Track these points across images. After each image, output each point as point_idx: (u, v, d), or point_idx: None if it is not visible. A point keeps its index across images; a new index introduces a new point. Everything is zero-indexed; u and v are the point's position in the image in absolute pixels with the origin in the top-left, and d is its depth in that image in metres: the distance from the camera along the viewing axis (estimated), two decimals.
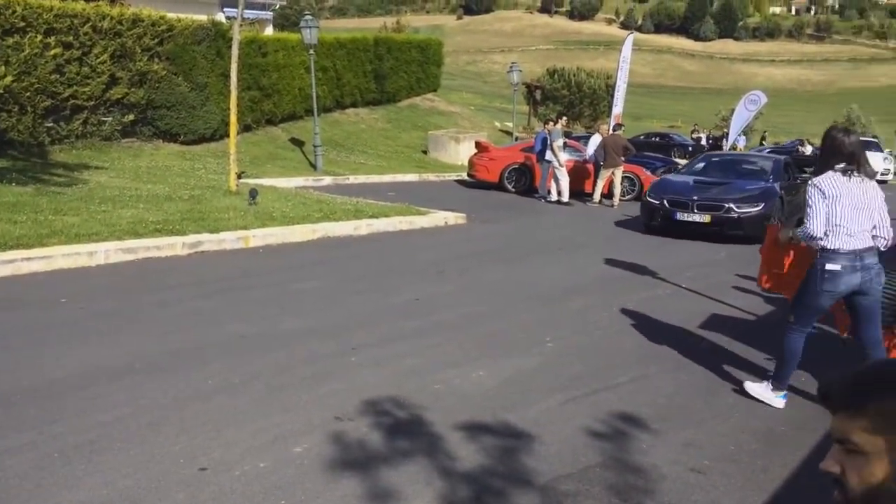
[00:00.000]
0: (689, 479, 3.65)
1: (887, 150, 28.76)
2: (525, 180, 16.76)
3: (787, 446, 4.14)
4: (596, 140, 16.26)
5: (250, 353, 5.12)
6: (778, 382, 4.77)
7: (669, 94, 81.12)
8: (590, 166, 16.26)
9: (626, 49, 24.48)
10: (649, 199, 11.74)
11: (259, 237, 8.89)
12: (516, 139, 23.77)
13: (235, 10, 12.58)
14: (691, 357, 5.66)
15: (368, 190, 15.05)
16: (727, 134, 27.49)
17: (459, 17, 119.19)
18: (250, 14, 27.11)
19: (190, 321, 5.81)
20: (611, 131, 16.30)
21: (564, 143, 15.97)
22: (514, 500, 3.36)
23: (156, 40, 15.73)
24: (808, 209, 4.42)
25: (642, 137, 31.59)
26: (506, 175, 16.87)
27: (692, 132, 39.89)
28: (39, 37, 13.27)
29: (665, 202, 11.41)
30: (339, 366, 4.96)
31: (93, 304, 6.15)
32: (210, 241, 8.39)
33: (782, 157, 13.66)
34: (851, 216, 4.35)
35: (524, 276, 8.22)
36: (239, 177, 12.58)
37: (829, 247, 4.38)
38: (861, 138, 24.41)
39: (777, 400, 4.74)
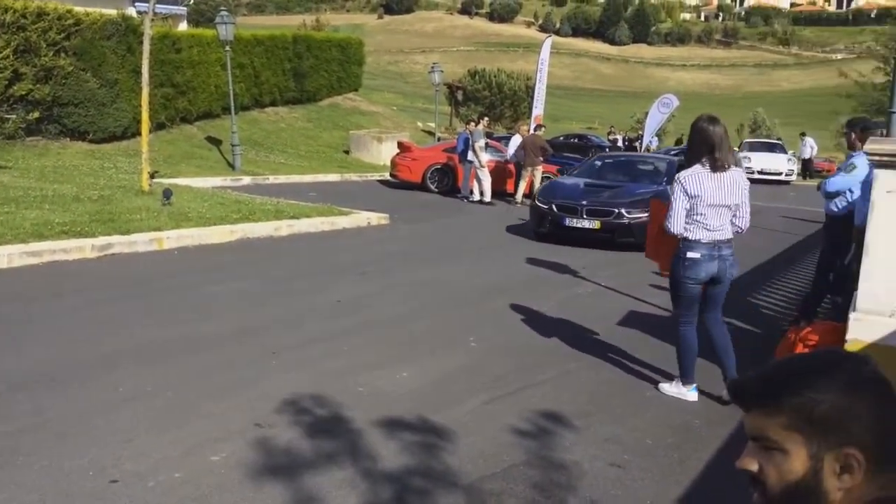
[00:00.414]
0: (608, 475, 3.72)
1: (791, 152, 30.01)
2: (447, 180, 16.81)
3: (703, 439, 4.26)
4: (517, 141, 16.45)
5: (164, 359, 4.94)
6: (684, 377, 4.93)
7: (587, 96, 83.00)
8: (511, 166, 16.43)
9: (545, 52, 24.90)
10: (538, 204, 10.97)
11: (173, 238, 8.60)
12: (438, 139, 23.81)
13: (147, 4, 12.15)
14: (612, 353, 5.78)
15: (289, 190, 14.79)
16: (642, 136, 28.28)
17: (380, 17, 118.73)
18: (163, 9, 26.21)
19: (99, 327, 5.56)
20: (531, 132, 16.52)
21: (486, 144, 16.09)
22: (439, 500, 3.34)
23: (62, 35, 15.05)
24: (671, 205, 4.70)
25: (561, 138, 32.10)
26: (428, 175, 16.88)
27: (609, 134, 40.83)
28: None
29: (554, 207, 10.68)
30: (259, 370, 4.84)
31: None
32: (121, 244, 8.06)
33: (677, 158, 12.84)
34: (712, 212, 4.62)
35: (447, 276, 8.22)
36: (152, 176, 12.16)
37: (690, 237, 4.67)
38: (764, 139, 24.86)
39: (689, 394, 4.91)
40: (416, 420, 4.19)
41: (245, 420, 4.02)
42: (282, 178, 17.06)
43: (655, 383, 5.13)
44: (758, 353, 5.90)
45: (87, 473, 3.36)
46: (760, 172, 26.24)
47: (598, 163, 13.18)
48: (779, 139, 33.68)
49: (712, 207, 4.60)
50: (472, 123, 15.90)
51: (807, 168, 30.92)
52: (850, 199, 6.29)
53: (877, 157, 4.26)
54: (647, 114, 30.48)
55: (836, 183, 6.41)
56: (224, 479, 3.39)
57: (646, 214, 8.96)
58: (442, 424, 4.15)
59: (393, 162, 17.70)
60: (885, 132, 6.65)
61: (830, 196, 6.46)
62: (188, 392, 4.39)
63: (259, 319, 6.06)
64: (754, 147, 29.08)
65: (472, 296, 7.21)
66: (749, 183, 4.81)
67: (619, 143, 34.33)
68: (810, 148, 30.67)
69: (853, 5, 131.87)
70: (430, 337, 5.90)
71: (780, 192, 23.68)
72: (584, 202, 10.59)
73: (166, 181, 12.83)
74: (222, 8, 18.31)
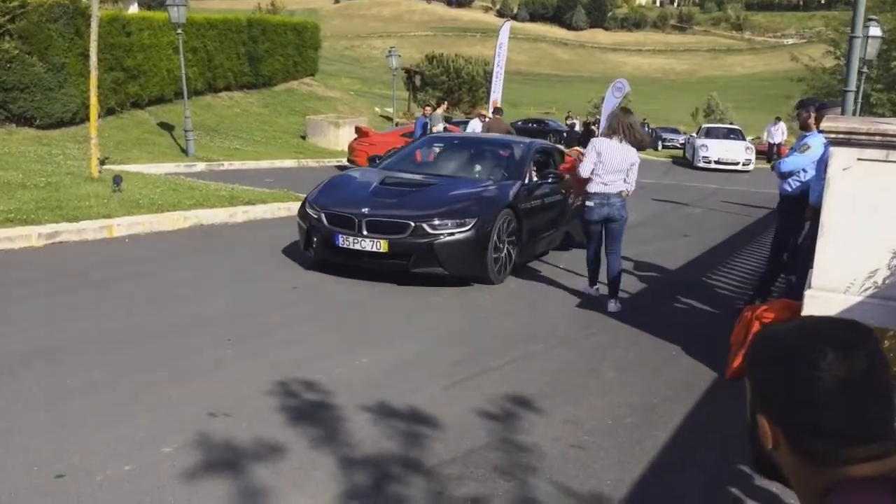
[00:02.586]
0: (569, 455, 3.70)
1: (749, 138, 29.31)
2: None
3: (661, 418, 4.28)
4: (475, 124, 16.39)
5: (113, 350, 4.78)
6: (591, 282, 7.00)
7: (544, 81, 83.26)
8: None
9: (503, 35, 24.87)
10: (306, 211, 7.25)
11: (124, 226, 8.36)
12: (396, 125, 23.65)
13: None
14: (571, 336, 5.78)
15: (244, 176, 14.53)
16: (598, 120, 28.44)
17: (337, 1, 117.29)
18: None
19: (44, 317, 5.37)
20: (493, 115, 16.46)
21: (444, 129, 16.00)
22: (398, 486, 3.29)
23: (7, 17, 14.54)
24: (586, 156, 6.63)
25: (520, 123, 32.20)
26: None
27: (566, 119, 41.06)
28: None
29: (324, 217, 6.99)
30: (213, 360, 4.72)
31: None
32: (69, 231, 7.81)
33: (539, 144, 9.12)
34: (608, 170, 6.51)
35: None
36: (102, 163, 11.83)
37: (589, 190, 6.60)
38: (722, 125, 24.77)
39: (593, 290, 6.94)
40: (375, 406, 4.12)
41: (199, 410, 3.91)
42: (237, 164, 16.76)
43: (615, 363, 5.15)
44: (714, 332, 5.97)
45: (30, 469, 3.22)
46: (717, 162, 25.26)
47: (430, 146, 9.39)
48: (731, 124, 33.70)
49: (610, 166, 6.50)
50: (429, 108, 15.81)
51: (776, 153, 30.79)
52: (803, 179, 6.38)
53: (833, 135, 4.30)
54: (603, 98, 30.71)
55: (789, 163, 6.48)
56: (177, 471, 3.28)
57: (461, 230, 6.73)
58: (401, 410, 4.10)
59: (350, 147, 17.51)
60: (841, 111, 6.73)
61: (784, 176, 6.54)
62: (139, 382, 4.26)
63: (214, 307, 5.92)
64: (712, 133, 27.59)
65: (429, 279, 7.12)
66: (639, 159, 6.69)
67: (577, 128, 34.54)
68: (781, 133, 29.26)
69: None
70: (388, 322, 5.84)
71: (736, 175, 24.05)
72: (365, 210, 6.84)
73: (117, 168, 12.50)
74: None
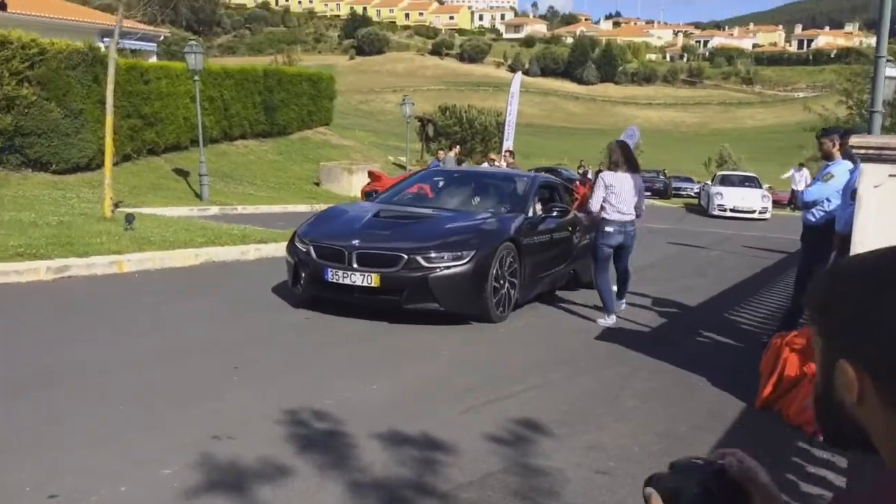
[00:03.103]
0: (594, 481, 3.48)
1: (766, 186, 28.25)
2: None
3: (690, 445, 4.04)
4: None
5: (114, 375, 4.62)
6: (608, 310, 7.05)
7: (556, 133, 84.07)
8: None
9: (515, 85, 25.14)
10: (294, 244, 6.89)
11: (134, 262, 8.26)
12: (407, 169, 23.73)
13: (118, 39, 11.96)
14: (590, 366, 5.57)
15: (257, 220, 14.48)
16: None
17: (351, 58, 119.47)
18: (133, 44, 26.12)
19: (46, 344, 5.22)
20: (503, 161, 16.46)
21: None
22: None
23: (26, 64, 14.74)
24: (594, 191, 7.10)
25: (532, 171, 32.23)
26: None
27: (579, 167, 41.14)
28: None
29: (312, 251, 6.62)
30: (218, 385, 4.54)
31: None
32: (78, 266, 7.71)
33: (544, 178, 8.89)
34: (622, 200, 6.96)
35: None
36: (116, 206, 11.83)
37: (606, 217, 6.98)
38: (738, 172, 24.33)
39: (610, 319, 6.98)
40: (387, 431, 3.92)
41: (202, 433, 3.72)
42: (250, 209, 16.76)
43: (636, 393, 4.93)
44: (739, 365, 5.75)
45: (21, 489, 3.04)
46: (733, 210, 24.33)
47: (433, 178, 9.01)
48: (752, 174, 32.91)
49: (622, 196, 6.95)
50: (443, 152, 15.82)
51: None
52: (827, 209, 6.21)
53: (864, 151, 4.15)
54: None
55: (813, 192, 6.33)
56: (176, 492, 3.09)
57: (457, 264, 6.29)
58: (414, 435, 3.89)
59: (363, 192, 17.49)
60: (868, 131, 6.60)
61: (808, 206, 6.37)
62: (138, 406, 4.08)
63: (221, 336, 5.76)
64: (727, 181, 26.44)
65: (443, 312, 6.94)
66: (644, 185, 7.27)
67: (589, 175, 34.59)
68: (805, 180, 27.92)
69: (813, 46, 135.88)
70: (400, 350, 5.65)
71: (753, 222, 23.82)
72: (356, 242, 6.44)
73: (131, 211, 12.49)
74: (191, 39, 18.13)
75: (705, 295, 9.11)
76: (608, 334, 6.61)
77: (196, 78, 16.31)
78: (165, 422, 3.86)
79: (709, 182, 28.71)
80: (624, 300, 7.65)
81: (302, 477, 3.30)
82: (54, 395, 4.14)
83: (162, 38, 33.04)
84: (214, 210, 15.81)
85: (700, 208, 27.94)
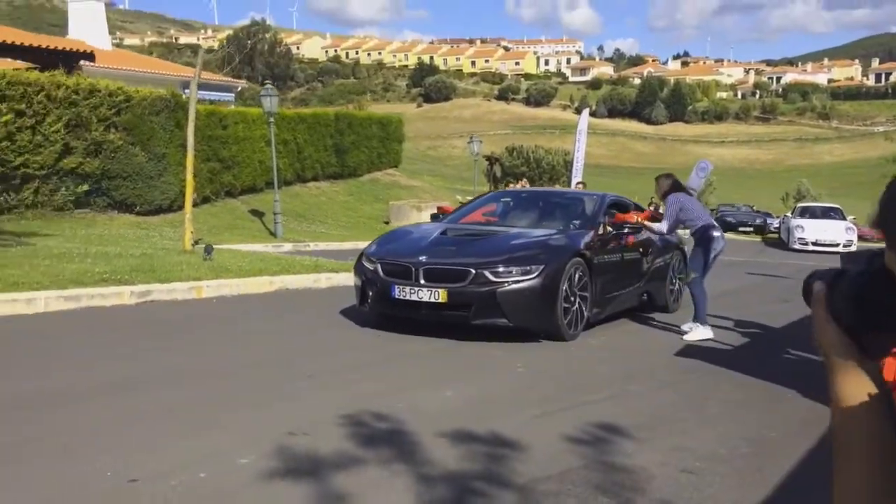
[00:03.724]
0: (680, 479, 3.31)
1: (851, 217, 26.59)
2: None
3: (782, 450, 3.82)
4: None
5: (194, 383, 4.69)
6: (702, 321, 7.01)
7: (625, 173, 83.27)
8: None
9: (583, 122, 25.10)
10: (362, 264, 6.89)
11: (212, 287, 8.47)
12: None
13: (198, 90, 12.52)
14: (671, 378, 5.37)
15: (329, 255, 14.68)
16: None
17: (419, 106, 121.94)
18: (213, 95, 27.31)
19: (130, 356, 5.35)
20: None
21: None
22: (491, 500, 2.97)
23: (113, 110, 15.54)
24: (667, 213, 7.38)
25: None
26: None
27: (649, 204, 40.48)
28: None
29: (380, 269, 6.59)
30: (293, 390, 4.55)
31: (25, 343, 5.66)
32: (160, 291, 7.95)
33: (614, 196, 8.58)
34: (704, 211, 7.77)
35: None
36: (195, 243, 12.22)
37: (715, 224, 7.46)
38: (819, 203, 23.28)
39: (709, 331, 6.96)
40: (462, 429, 3.84)
41: (277, 429, 3.72)
42: (322, 245, 17.05)
43: (721, 402, 4.71)
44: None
45: (103, 474, 3.08)
46: (815, 244, 22.71)
47: (500, 199, 9.10)
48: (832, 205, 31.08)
49: (701, 209, 7.73)
50: (511, 184, 15.81)
51: None
52: None
53: None
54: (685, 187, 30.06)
55: None
56: (253, 479, 3.08)
57: (526, 278, 6.14)
58: (489, 433, 3.80)
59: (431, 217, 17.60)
60: None
61: None
62: (216, 407, 4.12)
63: (295, 349, 5.81)
64: (809, 212, 25.02)
65: (515, 329, 6.83)
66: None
67: (660, 210, 33.92)
68: None
69: (892, 79, 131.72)
70: (473, 363, 5.57)
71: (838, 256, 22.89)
72: (423, 258, 6.40)
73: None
74: (267, 82, 18.83)
75: (790, 319, 8.73)
76: (688, 351, 6.38)
77: (271, 120, 16.87)
78: (242, 420, 3.88)
79: (788, 214, 27.49)
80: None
81: (374, 468, 3.25)
82: (137, 399, 4.22)
83: (239, 88, 34.45)
84: (288, 247, 16.15)
85: (779, 242, 26.92)
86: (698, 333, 6.93)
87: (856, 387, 0.84)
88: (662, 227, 7.44)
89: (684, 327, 7.18)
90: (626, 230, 7.56)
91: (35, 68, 15.95)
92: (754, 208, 36.92)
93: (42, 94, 14.06)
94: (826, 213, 24.77)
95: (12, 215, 13.79)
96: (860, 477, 0.82)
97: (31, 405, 4.02)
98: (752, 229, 32.11)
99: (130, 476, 3.06)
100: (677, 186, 7.47)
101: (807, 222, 23.79)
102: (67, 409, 3.96)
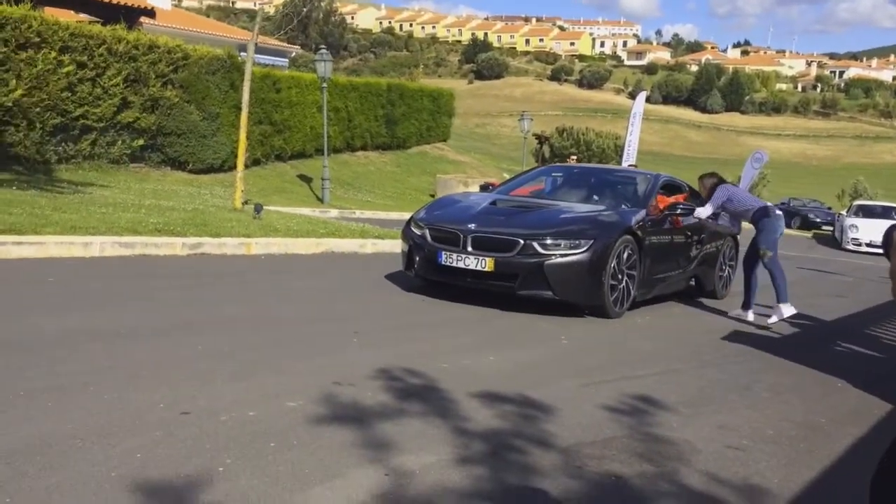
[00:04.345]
0: (726, 454, 3.27)
1: None
2: None
3: (831, 435, 3.74)
4: None
5: (244, 330, 4.77)
6: (784, 298, 6.98)
7: (676, 161, 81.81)
8: None
9: (638, 105, 24.36)
10: (410, 229, 6.96)
11: (261, 245, 8.59)
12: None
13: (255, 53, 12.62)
14: (717, 360, 5.29)
15: (375, 224, 14.78)
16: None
17: (470, 82, 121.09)
18: (267, 59, 27.50)
19: (181, 302, 5.47)
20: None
21: None
22: (534, 458, 2.97)
23: (171, 67, 15.75)
24: (713, 199, 7.31)
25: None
26: None
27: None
28: (53, 53, 13.25)
29: (427, 234, 6.65)
30: (339, 345, 4.60)
31: (83, 283, 5.82)
32: (210, 245, 8.09)
33: (667, 176, 8.31)
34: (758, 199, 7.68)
35: None
36: (245, 203, 12.38)
37: (769, 206, 7.34)
38: (877, 202, 22.56)
39: (792, 308, 6.97)
40: (506, 392, 3.84)
41: (325, 378, 3.77)
42: (368, 214, 17.15)
43: (770, 386, 4.63)
44: (883, 372, 5.33)
45: (157, 405, 3.16)
46: (869, 245, 21.57)
47: (552, 173, 9.00)
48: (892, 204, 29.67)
49: (747, 195, 7.76)
50: (569, 160, 15.66)
51: None
52: None
53: None
54: (739, 177, 29.44)
55: None
56: (300, 420, 3.13)
57: (574, 252, 6.12)
58: (533, 397, 3.79)
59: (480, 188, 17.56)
60: None
61: None
62: (266, 354, 4.19)
63: (342, 308, 5.87)
64: (865, 211, 24.09)
65: (559, 302, 6.79)
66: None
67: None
68: None
69: None
70: (517, 332, 5.57)
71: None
72: (472, 226, 6.42)
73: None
74: (322, 46, 18.88)
75: (842, 312, 8.55)
76: (737, 335, 6.28)
77: (324, 85, 16.93)
78: (291, 368, 3.94)
79: (843, 212, 26.50)
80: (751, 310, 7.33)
81: (416, 420, 3.27)
82: (191, 341, 4.31)
83: (293, 54, 34.62)
84: (334, 213, 16.28)
85: (832, 240, 26.06)
86: (785, 311, 6.93)
87: None
88: (704, 211, 7.30)
89: (770, 320, 7.03)
90: (678, 211, 7.40)
91: (97, 22, 16.20)
92: (827, 206, 35.29)
93: (103, 48, 14.30)
94: (885, 213, 23.67)
95: (70, 165, 14.13)
96: None
97: (99, 338, 4.14)
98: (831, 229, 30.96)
99: (182, 409, 3.13)
100: (722, 182, 7.51)
101: (862, 221, 22.81)
102: (128, 346, 4.06)
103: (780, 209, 8.84)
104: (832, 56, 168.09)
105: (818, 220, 31.31)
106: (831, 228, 28.42)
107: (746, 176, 26.09)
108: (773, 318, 6.99)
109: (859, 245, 22.04)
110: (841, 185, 54.65)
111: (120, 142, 15.00)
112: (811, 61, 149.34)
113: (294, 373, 3.85)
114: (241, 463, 2.64)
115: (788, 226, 29.45)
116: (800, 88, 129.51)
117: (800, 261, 15.89)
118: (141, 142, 15.40)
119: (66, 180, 12.59)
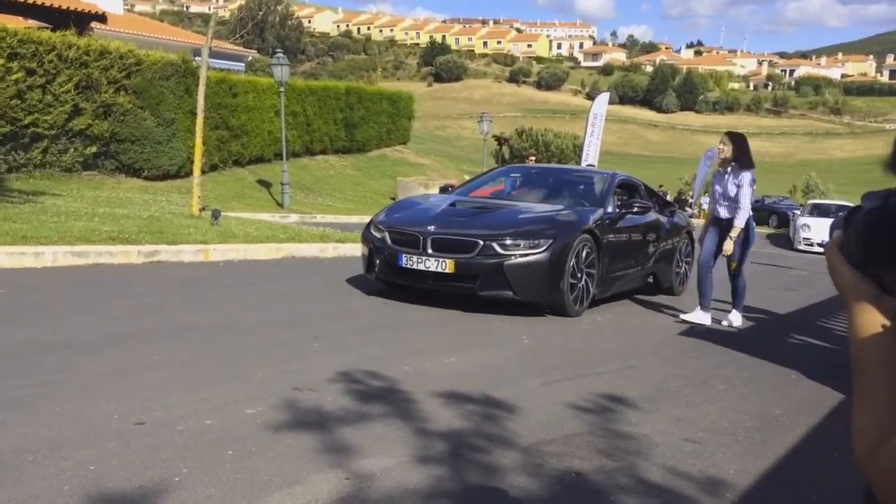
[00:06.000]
0: (684, 448, 3.32)
1: None
2: None
3: (786, 425, 3.83)
4: None
5: (202, 338, 4.70)
6: (740, 308, 6.94)
7: (634, 161, 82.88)
8: None
9: (599, 106, 23.86)
10: (370, 232, 6.92)
11: (220, 251, 8.48)
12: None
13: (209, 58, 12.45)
14: (675, 356, 5.37)
15: (335, 228, 14.70)
16: (692, 193, 27.81)
17: (429, 85, 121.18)
18: (223, 64, 27.16)
19: (136, 311, 5.37)
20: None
21: None
22: (495, 457, 2.98)
23: (123, 73, 15.49)
24: (747, 192, 6.70)
25: None
26: None
27: (658, 189, 40.39)
28: (1, 60, 12.95)
29: (388, 237, 6.64)
30: (299, 351, 4.57)
31: (34, 294, 5.68)
32: (167, 252, 7.96)
33: (624, 175, 8.34)
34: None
35: None
36: (203, 209, 12.21)
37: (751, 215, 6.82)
38: (832, 201, 22.57)
39: (741, 320, 6.90)
40: (467, 392, 3.85)
41: (284, 384, 3.74)
42: (329, 218, 17.05)
43: (726, 379, 4.71)
44: (837, 364, 5.46)
45: (110, 417, 3.10)
46: (822, 245, 20.20)
47: (510, 174, 9.14)
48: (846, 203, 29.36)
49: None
50: (524, 162, 15.75)
51: None
52: None
53: None
54: (695, 176, 29.91)
55: None
56: (259, 427, 3.10)
57: (533, 252, 6.14)
58: (494, 397, 3.81)
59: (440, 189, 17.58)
60: None
61: None
62: (224, 362, 4.14)
63: (302, 313, 5.82)
64: (819, 210, 23.03)
65: (522, 303, 6.83)
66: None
67: (669, 198, 33.92)
68: None
69: None
70: (478, 333, 5.58)
71: None
72: (431, 228, 6.43)
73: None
74: (278, 50, 18.72)
75: (795, 306, 8.75)
76: (693, 331, 6.39)
77: (282, 89, 16.80)
78: (249, 375, 3.89)
79: (796, 212, 26.14)
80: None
81: (377, 424, 3.26)
82: (147, 350, 4.24)
83: (249, 58, 34.25)
84: (294, 217, 16.15)
85: (784, 240, 25.71)
86: (736, 320, 6.83)
87: (871, 323, 0.85)
88: (743, 218, 6.66)
89: (727, 319, 6.86)
90: (634, 209, 7.47)
91: (47, 28, 15.85)
92: (800, 204, 35.47)
93: (53, 54, 14.01)
94: (838, 212, 23.27)
95: (21, 174, 13.80)
96: (881, 402, 0.83)
97: (51, 350, 4.04)
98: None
99: (137, 420, 3.07)
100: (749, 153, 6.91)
101: (814, 221, 21.82)
102: (81, 358, 3.98)
103: (755, 207, 8.68)
104: (782, 55, 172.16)
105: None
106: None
107: (700, 174, 26.61)
108: (729, 321, 6.84)
109: (811, 245, 21.28)
110: (793, 180, 55.95)
111: (72, 149, 14.70)
112: (762, 60, 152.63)
113: (253, 380, 3.81)
114: (197, 472, 2.61)
115: (766, 223, 29.98)
116: (752, 87, 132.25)
117: (753, 256, 16.16)
118: (94, 149, 15.11)
119: (17, 190, 12.27)
